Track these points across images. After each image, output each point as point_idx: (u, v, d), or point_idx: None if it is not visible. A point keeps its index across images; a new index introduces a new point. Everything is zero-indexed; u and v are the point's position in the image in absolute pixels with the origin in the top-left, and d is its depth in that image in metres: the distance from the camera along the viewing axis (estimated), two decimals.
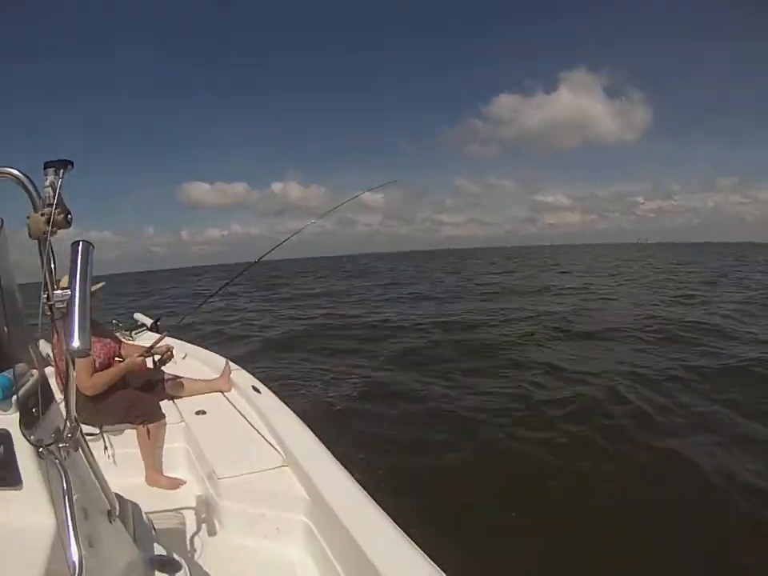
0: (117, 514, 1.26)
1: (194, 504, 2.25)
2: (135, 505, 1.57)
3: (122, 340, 3.24)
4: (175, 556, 1.54)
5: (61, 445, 1.01)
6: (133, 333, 4.55)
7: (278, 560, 1.92)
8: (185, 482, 2.57)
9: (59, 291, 0.90)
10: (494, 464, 3.85)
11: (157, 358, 3.02)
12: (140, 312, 5.10)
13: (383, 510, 1.76)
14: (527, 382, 5.81)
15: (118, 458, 2.61)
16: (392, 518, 1.71)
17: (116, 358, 2.82)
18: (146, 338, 4.28)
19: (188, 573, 1.50)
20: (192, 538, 1.96)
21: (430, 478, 3.63)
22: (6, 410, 0.96)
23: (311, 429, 2.45)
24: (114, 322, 4.55)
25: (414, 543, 1.56)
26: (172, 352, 3.11)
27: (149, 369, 3.03)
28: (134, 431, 2.64)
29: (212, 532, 2.05)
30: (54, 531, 0.97)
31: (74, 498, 0.98)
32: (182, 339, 4.27)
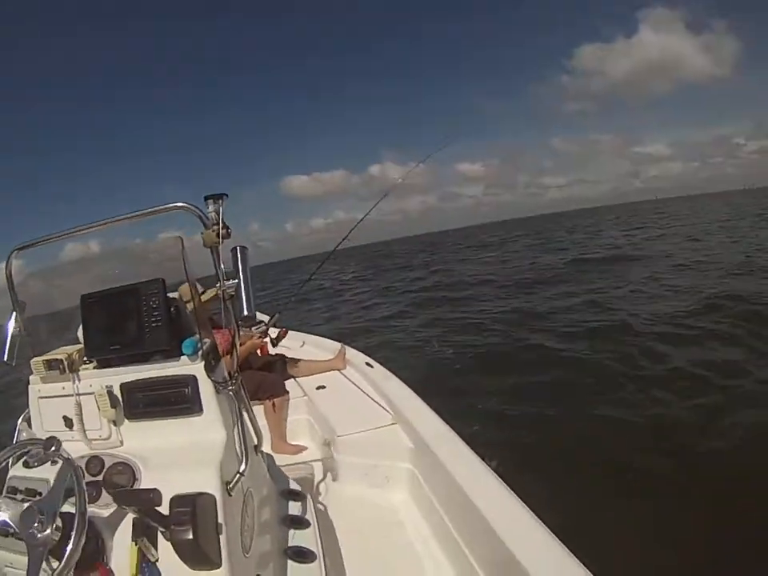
0: (261, 448, 1.61)
1: (315, 462, 2.55)
2: (269, 455, 1.90)
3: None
4: (301, 489, 1.84)
5: (230, 387, 1.39)
6: (252, 329, 5.08)
7: (387, 504, 2.15)
8: (307, 448, 2.87)
9: (228, 282, 1.30)
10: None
11: (274, 335, 3.51)
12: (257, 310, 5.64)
13: (485, 461, 1.87)
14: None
15: None
16: (494, 470, 1.81)
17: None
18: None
19: (311, 503, 1.78)
20: (313, 487, 2.24)
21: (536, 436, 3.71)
22: (194, 361, 1.34)
23: (418, 393, 2.67)
24: None
25: (512, 491, 1.66)
26: (287, 330, 3.62)
27: (268, 353, 3.48)
28: (261, 406, 2.98)
29: (330, 482, 2.33)
30: (224, 443, 1.31)
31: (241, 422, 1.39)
32: (297, 331, 4.72)
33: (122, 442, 1.37)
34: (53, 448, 1.04)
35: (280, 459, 2.76)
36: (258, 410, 3.01)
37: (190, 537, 1.00)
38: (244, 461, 1.31)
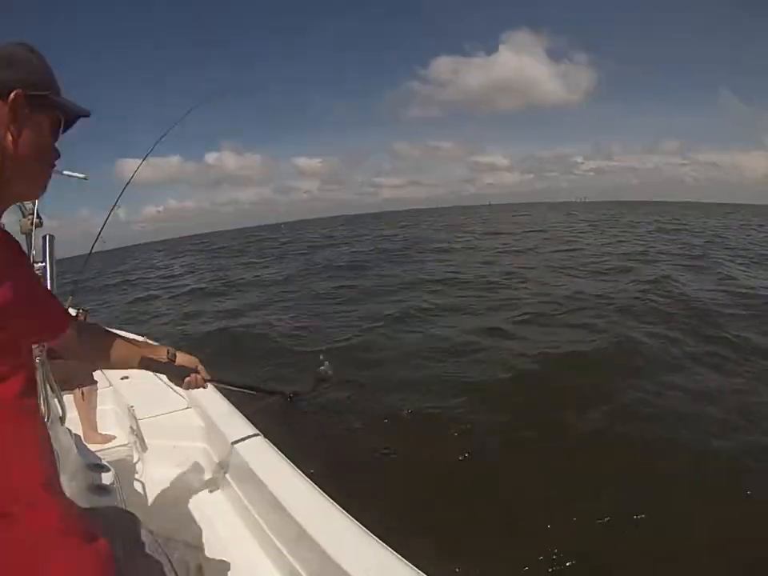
0: (65, 420, 1.81)
1: (122, 447, 2.82)
2: (77, 435, 2.12)
3: None
4: (105, 463, 2.10)
5: (39, 357, 1.55)
6: None
7: (187, 480, 2.43)
8: (116, 437, 3.07)
9: (37, 264, 1.47)
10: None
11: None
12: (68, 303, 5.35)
13: (264, 435, 2.25)
14: None
15: None
16: (274, 443, 2.17)
17: None
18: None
19: (117, 477, 2.06)
20: (122, 465, 2.46)
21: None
22: None
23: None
24: None
25: (284, 456, 2.03)
26: (87, 312, 3.73)
27: None
28: (71, 396, 3.03)
29: (137, 462, 2.60)
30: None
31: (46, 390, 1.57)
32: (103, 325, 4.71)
33: None
34: None
35: (92, 449, 2.90)
36: (68, 399, 3.08)
37: None
38: (45, 417, 1.50)
